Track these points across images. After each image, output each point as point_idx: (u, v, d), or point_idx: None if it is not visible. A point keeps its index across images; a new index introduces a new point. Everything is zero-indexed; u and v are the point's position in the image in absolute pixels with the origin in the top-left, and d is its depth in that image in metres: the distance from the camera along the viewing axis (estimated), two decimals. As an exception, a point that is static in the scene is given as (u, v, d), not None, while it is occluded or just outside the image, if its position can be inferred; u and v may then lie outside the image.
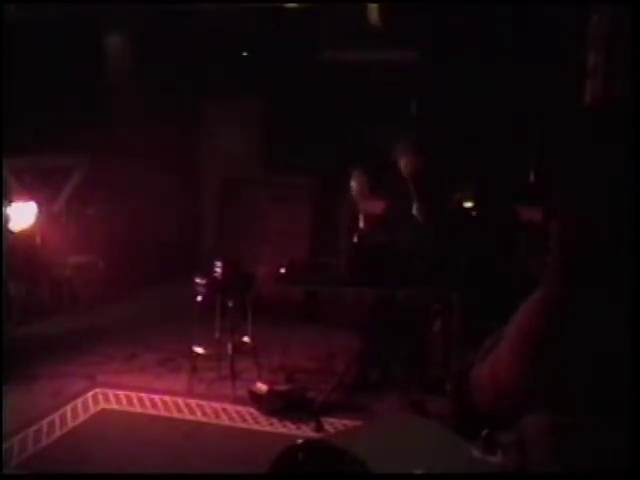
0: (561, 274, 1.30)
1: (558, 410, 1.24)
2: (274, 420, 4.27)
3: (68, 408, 4.41)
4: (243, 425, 4.25)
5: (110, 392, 4.68)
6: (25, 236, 6.39)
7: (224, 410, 4.43)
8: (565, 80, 5.81)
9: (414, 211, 4.73)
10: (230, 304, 4.69)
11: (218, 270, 4.70)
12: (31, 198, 6.44)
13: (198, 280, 4.73)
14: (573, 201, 1.31)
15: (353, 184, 4.96)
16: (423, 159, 4.78)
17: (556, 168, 1.33)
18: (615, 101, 1.57)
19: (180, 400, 4.57)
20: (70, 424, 4.20)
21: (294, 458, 1.84)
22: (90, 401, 4.54)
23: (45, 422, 4.18)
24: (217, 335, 4.93)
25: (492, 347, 1.38)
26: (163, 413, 4.41)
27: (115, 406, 4.50)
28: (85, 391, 4.69)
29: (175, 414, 4.39)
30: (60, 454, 3.81)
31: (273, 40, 7.24)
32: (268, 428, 4.20)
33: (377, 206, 5.00)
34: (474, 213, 5.25)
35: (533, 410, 1.28)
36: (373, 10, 6.47)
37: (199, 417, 4.35)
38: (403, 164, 4.79)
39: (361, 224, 4.90)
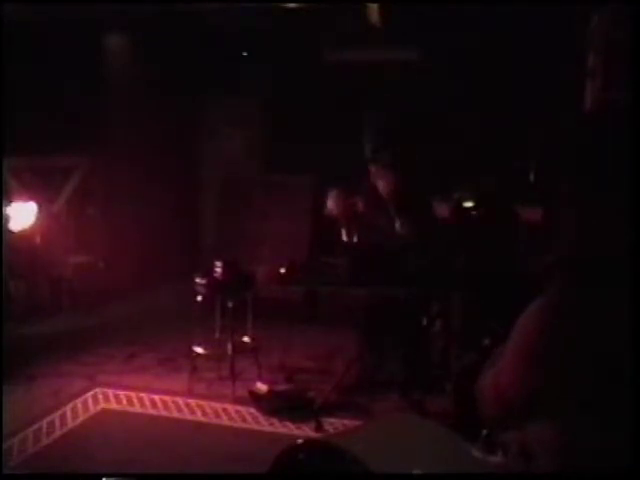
0: (565, 277, 1.30)
1: (561, 413, 1.24)
2: (274, 420, 4.27)
3: (68, 408, 4.40)
4: (243, 425, 4.25)
5: (110, 392, 4.68)
6: (25, 236, 6.39)
7: (224, 410, 4.43)
8: (565, 80, 5.81)
9: (398, 228, 4.66)
10: (230, 304, 4.69)
11: (218, 270, 4.69)
12: (31, 198, 6.44)
13: (198, 280, 4.72)
14: (576, 204, 1.31)
15: (330, 204, 4.83)
16: (399, 178, 4.67)
17: (559, 172, 1.33)
18: (615, 105, 1.57)
19: (180, 400, 4.57)
20: (70, 424, 4.20)
21: (294, 458, 1.84)
22: (90, 401, 4.54)
23: (45, 422, 4.17)
24: (217, 335, 4.93)
25: (495, 358, 1.38)
26: (163, 413, 4.40)
27: (115, 406, 4.50)
28: (85, 391, 4.69)
29: (175, 414, 4.39)
30: (60, 454, 3.81)
31: (273, 40, 7.23)
32: (268, 428, 4.19)
33: (360, 221, 4.89)
34: (474, 213, 5.24)
35: (536, 415, 1.28)
36: (373, 10, 6.47)
37: (199, 417, 4.35)
38: (380, 186, 4.71)
39: (345, 237, 4.83)
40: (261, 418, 4.31)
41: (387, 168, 4.66)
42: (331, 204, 4.84)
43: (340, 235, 4.89)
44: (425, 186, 4.98)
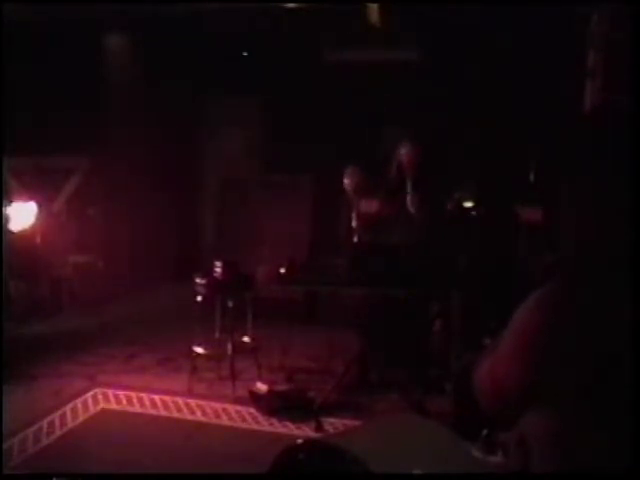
0: (565, 275, 1.30)
1: (557, 410, 1.24)
2: (274, 420, 4.27)
3: (68, 408, 4.40)
4: (243, 425, 4.25)
5: (110, 392, 4.67)
6: (25, 236, 6.40)
7: (224, 410, 4.43)
8: (565, 79, 5.81)
9: (409, 205, 4.70)
10: (230, 304, 4.69)
11: (218, 270, 4.70)
12: (31, 198, 6.44)
13: (198, 280, 4.72)
14: (576, 204, 1.31)
15: (346, 181, 4.91)
16: (423, 149, 4.76)
17: (559, 172, 1.34)
18: (615, 105, 1.57)
19: (180, 400, 4.57)
20: (70, 424, 4.20)
21: (294, 458, 1.84)
22: (90, 401, 4.54)
23: (45, 422, 4.17)
24: (217, 335, 4.93)
25: (492, 348, 1.39)
26: (163, 413, 4.40)
27: (115, 406, 4.50)
28: (85, 391, 4.69)
29: (175, 414, 4.39)
30: (60, 454, 3.81)
31: (273, 40, 7.24)
32: (268, 428, 4.19)
33: (373, 204, 4.99)
34: (474, 213, 5.25)
35: (533, 410, 1.28)
36: (373, 10, 6.47)
37: (199, 417, 4.35)
38: (403, 153, 4.77)
39: (354, 223, 4.89)
40: (261, 418, 4.31)
41: (414, 142, 4.73)
42: (347, 180, 4.88)
43: (350, 222, 4.92)
44: (445, 171, 5.06)
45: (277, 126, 7.91)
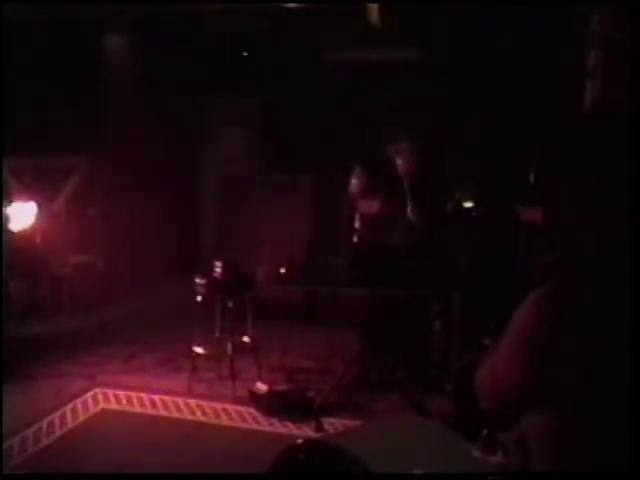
0: (565, 274, 1.30)
1: (557, 410, 1.24)
2: (274, 420, 4.27)
3: (68, 408, 4.40)
4: (243, 425, 4.25)
5: (110, 392, 4.68)
6: (25, 236, 6.40)
7: (224, 410, 4.43)
8: (565, 79, 5.81)
9: (408, 212, 4.71)
10: (230, 304, 4.69)
11: (218, 270, 4.70)
12: (31, 198, 6.44)
13: (198, 280, 4.72)
14: (576, 204, 1.31)
15: (352, 182, 4.93)
16: (420, 159, 4.76)
17: (559, 172, 1.34)
18: (615, 105, 1.57)
19: (180, 400, 4.57)
20: (70, 424, 4.20)
21: (294, 458, 1.84)
22: (90, 401, 4.54)
23: (45, 422, 4.17)
24: (217, 335, 4.93)
25: (492, 348, 1.39)
26: (163, 413, 4.40)
27: (115, 406, 4.50)
28: (85, 391, 4.69)
29: (175, 414, 4.39)
30: (60, 454, 3.81)
31: (273, 40, 7.24)
32: (268, 428, 4.19)
33: (375, 204, 4.99)
34: (474, 213, 5.25)
35: (533, 410, 1.28)
36: (373, 10, 6.47)
37: (199, 417, 4.35)
38: (399, 163, 4.77)
39: (357, 223, 4.90)
40: (261, 418, 4.31)
41: (410, 152, 4.72)
42: (355, 181, 4.89)
43: (350, 222, 4.93)
44: (442, 179, 5.05)
45: (277, 126, 7.91)
